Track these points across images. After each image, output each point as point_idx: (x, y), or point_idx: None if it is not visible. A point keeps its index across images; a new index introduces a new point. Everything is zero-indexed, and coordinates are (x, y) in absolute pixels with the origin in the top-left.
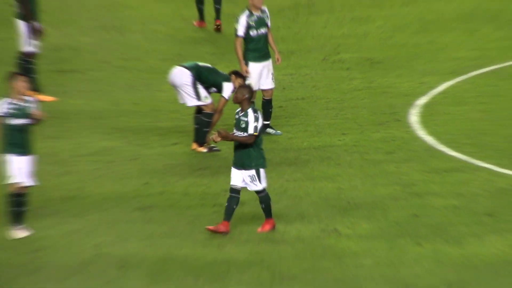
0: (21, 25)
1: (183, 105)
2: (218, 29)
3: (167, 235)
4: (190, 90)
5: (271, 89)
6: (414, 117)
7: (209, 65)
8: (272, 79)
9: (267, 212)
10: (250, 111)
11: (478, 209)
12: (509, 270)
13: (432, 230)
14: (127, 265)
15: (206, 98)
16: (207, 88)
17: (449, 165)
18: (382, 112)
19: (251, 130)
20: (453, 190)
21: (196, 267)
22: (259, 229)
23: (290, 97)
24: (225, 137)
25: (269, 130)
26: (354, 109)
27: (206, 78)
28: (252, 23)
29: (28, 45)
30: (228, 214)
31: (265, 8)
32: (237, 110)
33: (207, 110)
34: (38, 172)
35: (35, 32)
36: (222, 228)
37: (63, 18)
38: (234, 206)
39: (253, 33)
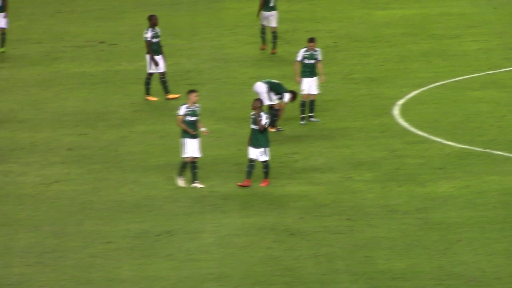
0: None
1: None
2: (273, 53)
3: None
4: (265, 96)
5: (314, 95)
6: (396, 111)
7: (277, 81)
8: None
9: (266, 174)
10: (262, 113)
11: (434, 165)
12: (452, 201)
13: (407, 178)
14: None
15: (275, 100)
16: (276, 94)
17: (417, 139)
18: (377, 108)
19: (263, 122)
20: (419, 154)
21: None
22: (261, 185)
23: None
24: (259, 124)
25: (313, 119)
26: (359, 107)
27: (275, 89)
28: (306, 55)
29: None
30: (249, 174)
31: (317, 49)
32: (252, 113)
33: (276, 107)
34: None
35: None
36: (246, 183)
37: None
38: (252, 170)
39: (306, 61)
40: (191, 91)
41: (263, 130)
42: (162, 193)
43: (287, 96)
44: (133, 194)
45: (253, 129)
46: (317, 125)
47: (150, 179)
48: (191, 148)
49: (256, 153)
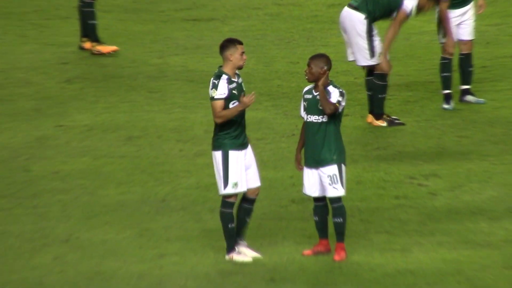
0: None
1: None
2: None
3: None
4: (363, 43)
5: (470, 41)
6: None
7: None
8: (472, 29)
9: (340, 234)
10: (331, 87)
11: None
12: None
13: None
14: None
15: (380, 56)
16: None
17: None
18: None
19: (334, 100)
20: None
21: (371, 279)
22: (335, 257)
23: (496, 55)
24: (327, 106)
25: (468, 97)
26: None
27: (380, 9)
28: None
29: None
30: (321, 230)
31: None
32: (308, 88)
33: (380, 70)
34: None
35: None
36: (321, 248)
37: None
38: (322, 219)
39: None
40: (233, 41)
41: (331, 117)
42: None
43: (408, 2)
44: None
45: (310, 125)
46: (480, 112)
47: None
48: (239, 173)
49: (315, 184)
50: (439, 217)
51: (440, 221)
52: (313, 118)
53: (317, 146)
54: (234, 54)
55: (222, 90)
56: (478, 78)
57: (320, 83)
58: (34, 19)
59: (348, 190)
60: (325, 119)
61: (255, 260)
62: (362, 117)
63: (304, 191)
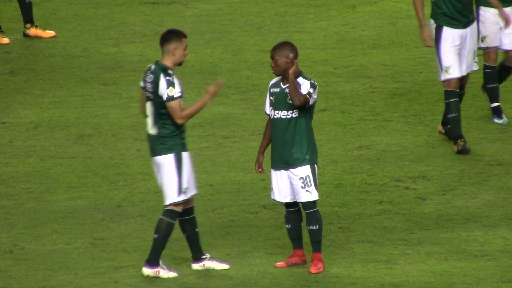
0: None
1: None
2: None
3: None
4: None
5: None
6: None
7: None
8: None
9: (316, 244)
10: (301, 78)
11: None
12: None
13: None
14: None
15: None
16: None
17: None
18: None
19: (304, 92)
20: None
21: None
22: (311, 270)
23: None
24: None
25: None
26: None
27: None
28: None
29: None
30: (295, 241)
31: None
32: (274, 82)
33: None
34: None
35: None
36: (296, 260)
37: None
38: (295, 227)
39: None
40: (178, 33)
41: (302, 112)
42: None
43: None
44: None
45: (278, 122)
46: (475, 105)
47: None
48: (190, 177)
49: (286, 188)
50: (428, 224)
51: (429, 229)
52: (282, 114)
53: (286, 146)
54: (178, 49)
55: (179, 87)
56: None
57: (291, 71)
58: None
59: (326, 194)
60: (295, 115)
61: (221, 273)
62: (342, 112)
63: (273, 197)
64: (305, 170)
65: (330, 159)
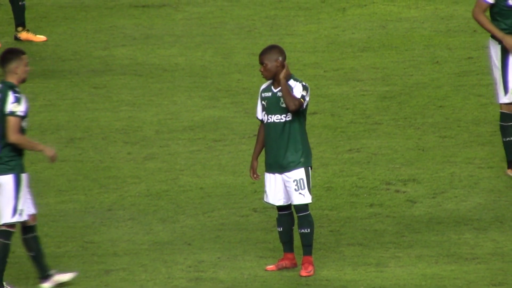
0: None
1: None
2: None
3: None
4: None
5: None
6: None
7: None
8: None
9: (307, 247)
10: (292, 81)
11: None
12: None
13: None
14: None
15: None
16: None
17: None
18: None
19: (298, 95)
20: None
21: None
22: (301, 273)
23: (483, 44)
24: (290, 102)
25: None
26: None
27: None
28: None
29: None
30: (286, 244)
31: None
32: (266, 86)
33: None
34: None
35: None
36: (287, 263)
37: None
38: (286, 231)
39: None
40: (16, 52)
41: (295, 115)
42: None
43: None
44: None
45: (271, 126)
46: (465, 108)
47: None
48: (25, 199)
49: (279, 191)
50: (418, 227)
51: (419, 232)
52: (275, 118)
53: (281, 149)
54: (20, 67)
55: (23, 107)
56: (463, 71)
57: (282, 75)
58: None
59: (317, 197)
60: (288, 118)
61: (212, 276)
62: (332, 115)
63: (266, 200)
64: (299, 173)
65: (320, 162)
